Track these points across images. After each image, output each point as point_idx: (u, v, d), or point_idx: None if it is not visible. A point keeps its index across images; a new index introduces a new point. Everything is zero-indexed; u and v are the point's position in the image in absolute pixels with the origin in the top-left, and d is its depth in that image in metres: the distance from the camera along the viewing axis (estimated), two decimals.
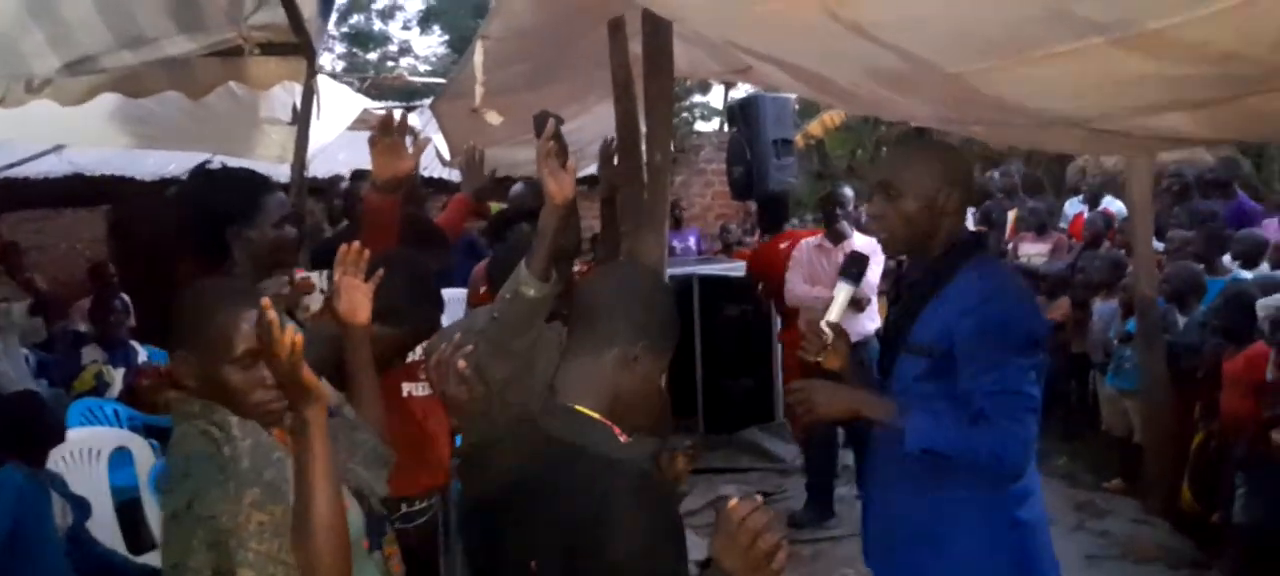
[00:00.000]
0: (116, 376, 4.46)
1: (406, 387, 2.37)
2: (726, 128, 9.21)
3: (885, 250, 2.16)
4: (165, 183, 7.30)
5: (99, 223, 9.88)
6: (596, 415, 1.38)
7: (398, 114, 2.44)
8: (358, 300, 1.74)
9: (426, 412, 2.40)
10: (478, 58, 2.85)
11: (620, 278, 1.61)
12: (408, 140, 2.31)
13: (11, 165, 7.22)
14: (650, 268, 2.13)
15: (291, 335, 1.32)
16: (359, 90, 7.64)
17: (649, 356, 1.42)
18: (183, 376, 1.52)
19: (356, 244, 1.78)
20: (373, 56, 18.09)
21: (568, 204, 1.86)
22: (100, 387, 4.35)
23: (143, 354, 4.70)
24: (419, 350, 2.29)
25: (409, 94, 10.09)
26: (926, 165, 2.00)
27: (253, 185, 2.19)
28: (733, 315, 6.02)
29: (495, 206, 3.64)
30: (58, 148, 7.00)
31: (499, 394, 1.84)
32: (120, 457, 3.60)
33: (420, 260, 2.34)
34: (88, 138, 4.43)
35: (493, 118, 2.79)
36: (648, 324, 1.44)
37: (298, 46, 3.18)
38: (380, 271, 1.79)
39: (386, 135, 2.24)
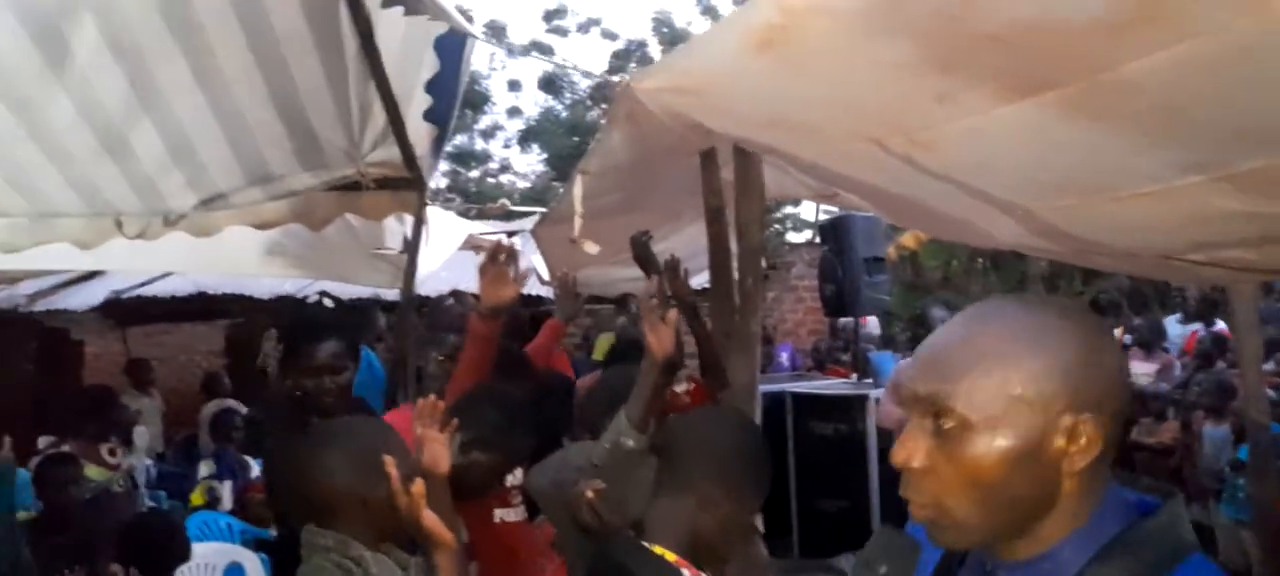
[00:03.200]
0: (226, 490, 4.66)
1: (499, 513, 2.44)
2: (818, 239, 9.30)
3: (937, 542, 1.11)
4: (280, 299, 7.69)
5: (217, 337, 10.41)
6: (671, 556, 1.42)
7: (505, 241, 2.58)
8: (437, 451, 1.81)
9: (517, 538, 2.46)
10: (577, 191, 3.00)
11: (708, 426, 1.66)
12: (512, 269, 2.44)
13: (141, 284, 7.72)
14: (743, 417, 2.10)
15: (417, 488, 1.41)
16: (462, 213, 7.98)
17: (729, 503, 1.47)
18: None
19: (433, 399, 1.86)
20: (474, 174, 18.82)
21: (668, 358, 1.89)
22: (211, 502, 4.55)
23: (255, 468, 4.90)
24: (511, 478, 2.38)
25: (508, 216, 10.46)
26: (1032, 349, 1.04)
27: (305, 330, 2.33)
28: (827, 433, 5.98)
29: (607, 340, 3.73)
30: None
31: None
32: (233, 572, 3.76)
33: (511, 390, 2.45)
34: (217, 266, 4.73)
35: (590, 248, 2.91)
36: (729, 474, 1.48)
37: (410, 181, 3.39)
38: (454, 421, 1.86)
39: (494, 264, 2.37)
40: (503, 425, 2.21)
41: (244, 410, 5.91)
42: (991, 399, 1.02)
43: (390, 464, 1.45)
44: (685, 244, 4.39)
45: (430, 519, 1.44)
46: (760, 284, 3.47)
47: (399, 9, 2.13)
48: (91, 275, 7.94)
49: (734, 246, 3.43)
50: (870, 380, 6.14)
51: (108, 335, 9.66)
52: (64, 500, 3.72)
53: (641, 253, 3.03)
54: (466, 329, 2.54)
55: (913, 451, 1.06)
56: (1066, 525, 1.05)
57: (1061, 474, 1.03)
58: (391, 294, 4.33)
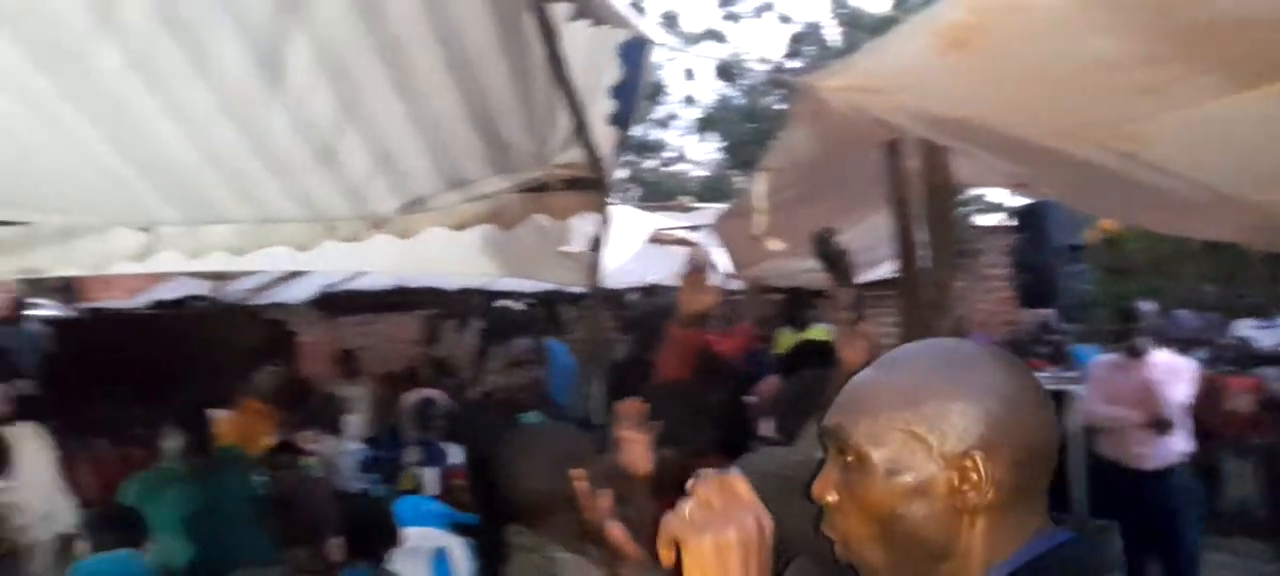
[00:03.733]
0: (430, 476, 4.93)
1: None
2: (1008, 221, 8.87)
3: None
4: (468, 293, 8.08)
5: (413, 325, 11.02)
6: None
7: (699, 247, 2.62)
8: (638, 454, 1.85)
9: None
10: (759, 187, 3.00)
11: None
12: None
13: (347, 279, 8.28)
14: None
15: (603, 499, 1.46)
16: (642, 205, 8.12)
17: None
18: None
19: (633, 401, 1.90)
20: (650, 164, 19.05)
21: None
22: (416, 487, 4.83)
23: (455, 455, 5.17)
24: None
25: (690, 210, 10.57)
26: (932, 389, 1.07)
27: (499, 328, 2.42)
28: None
29: (790, 337, 3.73)
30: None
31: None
32: (440, 556, 3.98)
33: (696, 387, 2.48)
34: (418, 266, 5.01)
35: (775, 245, 2.91)
36: None
37: (595, 181, 3.47)
38: (656, 424, 1.89)
39: (695, 272, 2.41)
40: (688, 419, 2.24)
41: (444, 399, 6.23)
42: (886, 435, 1.05)
43: (578, 475, 1.50)
44: (867, 234, 4.30)
45: (615, 530, 1.48)
46: (951, 277, 3.36)
47: (585, 20, 2.18)
48: (303, 271, 8.58)
49: (922, 236, 3.34)
50: (1073, 374, 5.83)
51: (318, 325, 10.40)
52: (288, 483, 4.06)
53: (826, 252, 2.99)
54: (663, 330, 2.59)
55: (825, 486, 1.11)
56: (974, 567, 1.03)
57: (961, 514, 1.03)
58: (578, 289, 4.48)
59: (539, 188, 3.54)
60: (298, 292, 8.92)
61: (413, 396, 7.59)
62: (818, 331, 5.31)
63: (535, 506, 1.67)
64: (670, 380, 2.40)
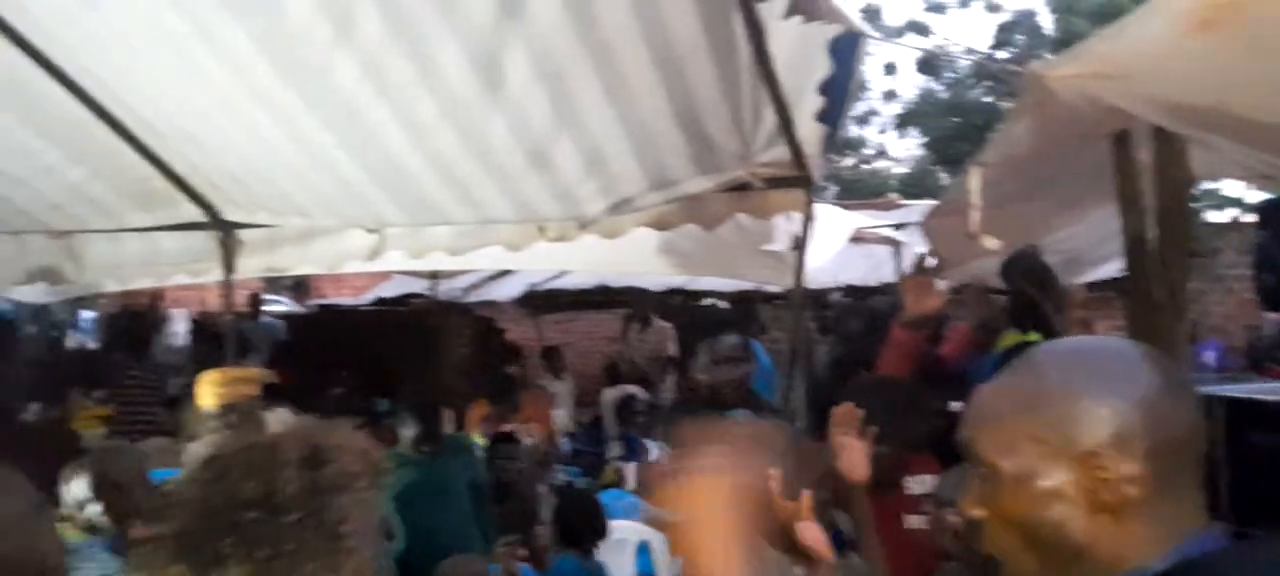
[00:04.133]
0: (630, 471, 5.04)
1: (908, 519, 2.42)
2: (1247, 217, 8.10)
3: None
4: (670, 292, 8.20)
5: (615, 323, 11.28)
6: None
7: (927, 257, 2.54)
8: (855, 459, 1.82)
9: (926, 546, 2.42)
10: (974, 183, 2.87)
11: None
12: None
13: (552, 278, 8.59)
14: None
15: (803, 501, 1.44)
16: (838, 203, 7.98)
17: None
18: None
19: (849, 406, 1.87)
20: (848, 162, 18.66)
21: None
22: (617, 481, 4.94)
23: (654, 450, 5.25)
24: (919, 485, 2.34)
25: (894, 208, 10.28)
26: (1053, 391, 1.04)
27: (702, 323, 2.41)
28: (1267, 446, 5.21)
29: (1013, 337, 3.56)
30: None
31: None
32: (643, 550, 4.06)
33: (899, 381, 2.40)
34: (621, 265, 5.12)
35: (990, 243, 2.78)
36: None
37: (799, 180, 3.44)
38: (874, 429, 1.85)
39: (920, 273, 2.35)
40: (895, 414, 2.18)
41: (645, 396, 6.33)
42: (1013, 443, 1.03)
43: (772, 475, 1.48)
44: (1088, 233, 4.05)
45: (810, 533, 1.45)
46: (1185, 277, 3.12)
47: (796, 17, 2.17)
48: (511, 270, 8.95)
49: (1152, 233, 3.11)
50: None
51: (523, 322, 10.83)
52: (506, 473, 4.25)
53: (1032, 268, 2.81)
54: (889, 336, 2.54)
55: (971, 502, 1.09)
56: (1123, 568, 1.00)
57: (1100, 514, 1.00)
58: (776, 288, 4.46)
59: (741, 187, 3.54)
60: (505, 291, 9.32)
61: (613, 392, 7.77)
62: (1032, 336, 5.02)
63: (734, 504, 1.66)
64: (880, 379, 2.35)
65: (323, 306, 11.04)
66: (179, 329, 9.37)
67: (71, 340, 9.58)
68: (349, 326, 8.90)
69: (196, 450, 3.49)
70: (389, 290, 10.27)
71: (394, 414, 4.39)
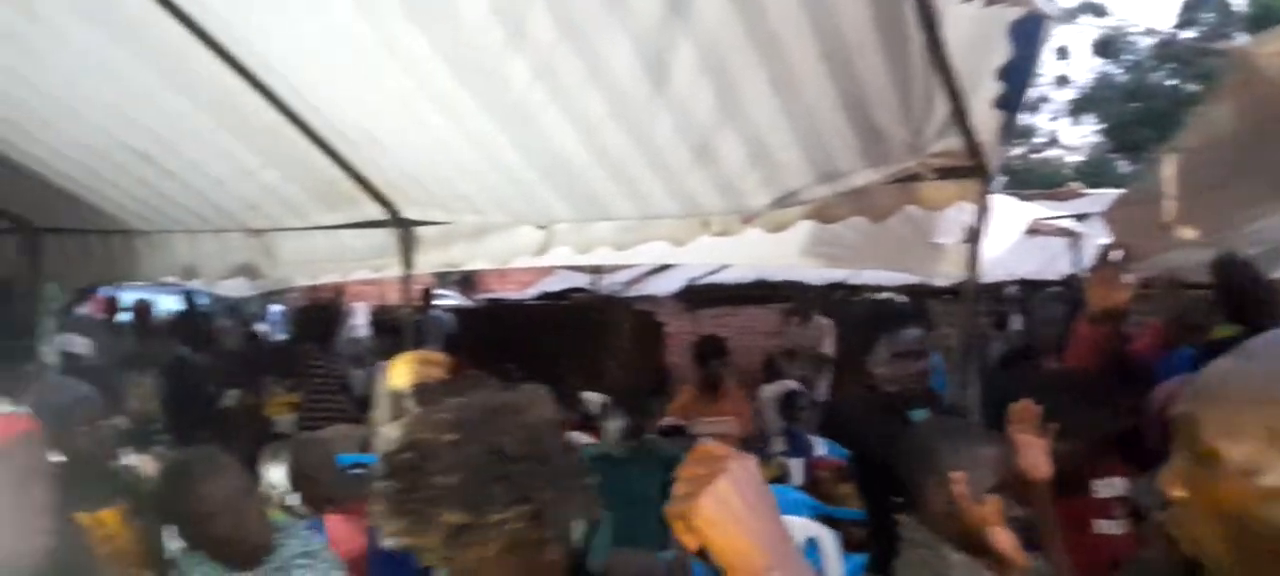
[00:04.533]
0: (796, 466, 4.98)
1: (1098, 524, 2.30)
2: None
3: None
4: (832, 287, 8.07)
5: (772, 318, 11.19)
6: None
7: (1112, 249, 2.42)
8: (1036, 457, 1.76)
9: (1119, 554, 2.30)
10: (1169, 170, 2.71)
11: None
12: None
13: (711, 272, 8.60)
14: None
15: (991, 505, 1.39)
16: (1011, 193, 7.64)
17: None
18: None
19: (1027, 402, 1.80)
20: (1018, 150, 17.87)
21: None
22: (782, 477, 4.89)
23: (820, 447, 5.18)
24: (1108, 488, 2.23)
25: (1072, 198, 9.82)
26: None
27: (882, 317, 2.34)
28: None
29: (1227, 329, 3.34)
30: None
31: None
32: (810, 545, 4.02)
33: (1084, 375, 2.29)
34: (784, 258, 5.09)
35: (1187, 234, 2.61)
36: None
37: (973, 170, 3.32)
38: (1054, 426, 1.78)
39: (1108, 265, 2.24)
40: (1079, 409, 2.08)
41: (806, 391, 6.26)
42: (1244, 430, 0.94)
43: (957, 478, 1.44)
44: None
45: (1002, 538, 1.41)
46: None
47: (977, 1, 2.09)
48: (670, 265, 9.02)
49: None
50: None
51: (682, 317, 10.89)
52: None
53: (1231, 277, 2.60)
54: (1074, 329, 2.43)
55: (1173, 480, 1.01)
56: None
57: None
58: (944, 282, 4.32)
59: (911, 178, 3.44)
60: (665, 285, 9.41)
61: (774, 387, 7.70)
62: (1224, 329, 4.66)
63: (924, 501, 1.63)
64: (1063, 373, 2.25)
65: (490, 300, 11.44)
66: (359, 321, 9.90)
67: (260, 331, 10.29)
68: (515, 319, 9.17)
69: (390, 430, 3.70)
70: (553, 285, 10.55)
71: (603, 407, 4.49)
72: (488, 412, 1.14)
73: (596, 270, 8.85)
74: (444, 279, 11.63)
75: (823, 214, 3.65)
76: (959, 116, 3.04)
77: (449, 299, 12.00)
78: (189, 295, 8.63)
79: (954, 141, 3.22)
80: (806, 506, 4.48)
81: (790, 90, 2.96)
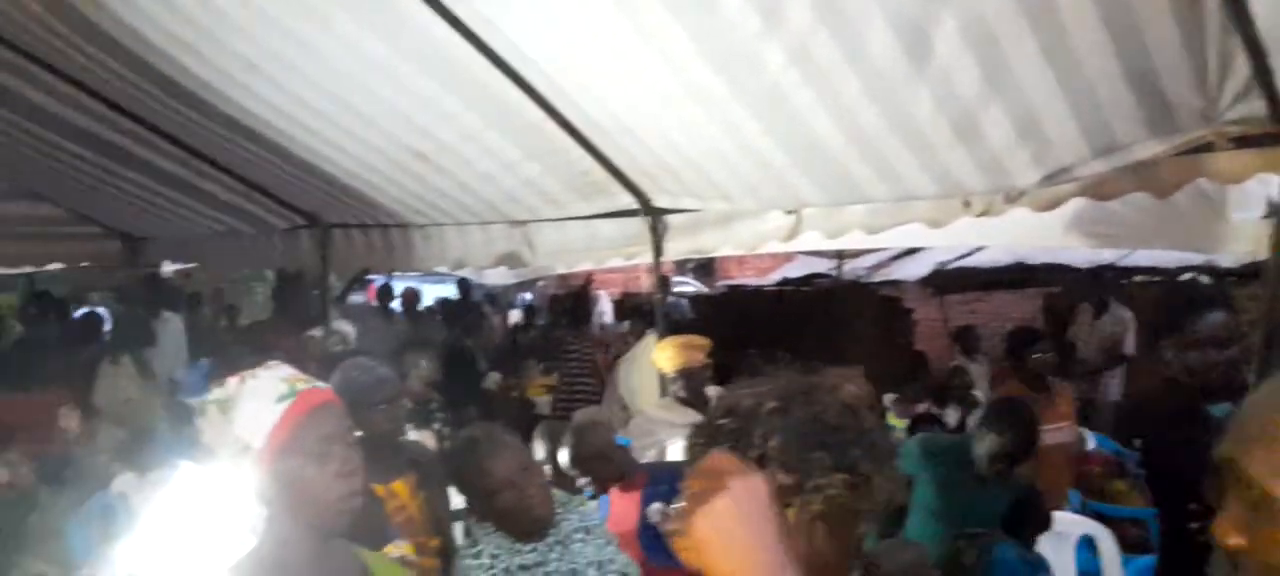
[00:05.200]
0: None
1: None
2: None
3: None
4: (1100, 269, 7.51)
5: (1025, 304, 10.59)
6: None
7: None
8: None
9: None
10: None
11: None
12: None
13: (962, 256, 8.23)
14: None
15: None
16: None
17: None
18: None
19: None
20: None
21: None
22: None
23: (1091, 440, 4.85)
24: None
25: None
26: None
27: (1190, 303, 2.14)
28: None
29: None
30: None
31: None
32: (1084, 543, 3.78)
33: None
34: (1051, 238, 4.80)
35: None
36: None
37: (1277, 137, 2.99)
38: None
39: None
40: None
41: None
42: None
43: None
44: None
45: None
46: None
47: None
48: (916, 249, 8.72)
49: None
50: None
51: (928, 303, 10.52)
52: None
53: None
54: None
55: (1228, 527, 0.94)
56: None
57: None
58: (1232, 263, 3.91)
59: (1202, 148, 3.15)
60: (911, 270, 9.12)
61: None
62: None
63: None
64: None
65: (731, 286, 11.52)
66: (604, 308, 10.28)
67: (511, 318, 10.90)
68: (758, 306, 9.18)
69: (656, 412, 3.82)
70: (793, 271, 10.48)
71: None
72: (806, 386, 1.18)
73: (839, 255, 8.70)
74: (682, 266, 11.83)
75: (1098, 190, 3.41)
76: (1262, 78, 2.76)
77: (688, 286, 12.20)
78: (463, 283, 9.26)
79: (1255, 106, 2.92)
80: (1076, 502, 4.23)
81: (1066, 58, 2.79)
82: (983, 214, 3.67)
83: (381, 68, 3.64)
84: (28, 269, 7.70)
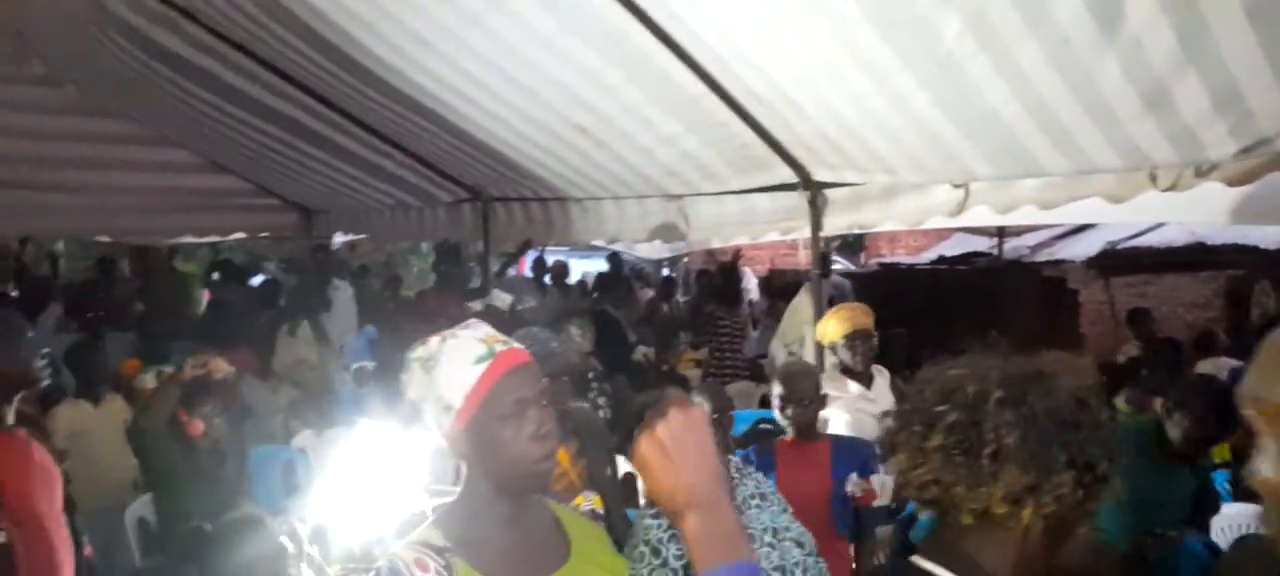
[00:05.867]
0: None
1: None
2: None
3: None
4: None
5: (1200, 287, 9.93)
6: None
7: None
8: None
9: None
10: None
11: None
12: None
13: (1135, 235, 7.78)
14: None
15: None
16: None
17: None
18: None
19: None
20: None
21: None
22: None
23: None
24: None
25: None
26: None
27: None
28: None
29: None
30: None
31: None
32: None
33: None
34: (1234, 217, 4.47)
35: None
36: None
37: None
38: None
39: None
40: None
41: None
42: None
43: None
44: None
45: None
46: None
47: None
48: (1083, 228, 8.29)
49: None
50: None
51: (1093, 284, 9.99)
52: None
53: None
54: None
55: (1260, 463, 0.97)
56: None
57: None
58: None
59: None
60: (1078, 249, 8.68)
61: (1209, 364, 6.86)
62: None
63: None
64: None
65: (885, 264, 11.26)
66: (751, 284, 10.21)
67: (668, 292, 10.94)
68: (916, 285, 8.89)
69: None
70: (949, 248, 10.14)
71: None
72: (1034, 372, 1.13)
73: (1000, 232, 8.34)
74: (829, 243, 11.60)
75: None
76: None
77: (837, 263, 11.97)
78: (614, 256, 9.39)
79: None
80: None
81: (1272, 20, 2.59)
82: (1170, 188, 3.47)
83: (548, 42, 3.71)
84: (213, 238, 8.22)
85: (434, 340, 1.60)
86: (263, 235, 8.34)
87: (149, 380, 4.58)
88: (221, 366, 3.87)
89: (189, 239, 8.00)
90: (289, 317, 6.37)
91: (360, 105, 5.05)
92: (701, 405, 1.03)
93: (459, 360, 1.57)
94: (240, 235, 8.05)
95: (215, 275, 8.78)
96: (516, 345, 1.62)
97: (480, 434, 1.56)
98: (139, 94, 5.76)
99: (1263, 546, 1.36)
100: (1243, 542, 2.61)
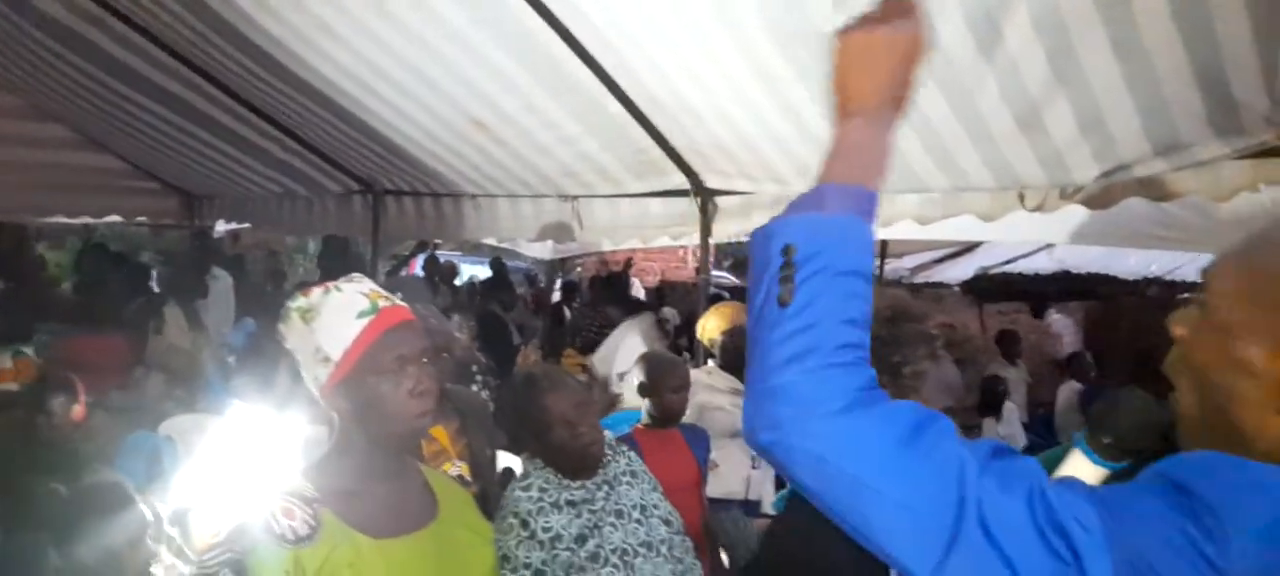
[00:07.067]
0: None
1: None
2: None
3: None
4: (1147, 282, 7.44)
5: (1069, 314, 10.44)
6: None
7: None
8: None
9: None
10: None
11: None
12: None
13: (1007, 261, 8.18)
14: None
15: None
16: None
17: None
18: None
19: None
20: None
21: None
22: None
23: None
24: None
25: None
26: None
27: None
28: None
29: None
30: (1048, 246, 7.69)
31: None
32: None
33: None
34: (1109, 237, 4.77)
35: None
36: None
37: None
38: None
39: None
40: None
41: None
42: (1229, 287, 0.97)
43: None
44: None
45: None
46: None
47: None
48: (964, 251, 8.65)
49: None
50: None
51: (965, 311, 10.42)
52: None
53: None
54: None
55: (1181, 317, 1.05)
56: None
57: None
58: None
59: (1265, 152, 3.13)
60: (955, 273, 9.04)
61: (1071, 387, 7.27)
62: None
63: None
64: None
65: None
66: (637, 292, 10.31)
67: (548, 296, 10.96)
68: None
69: (699, 375, 3.86)
70: None
71: None
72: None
73: (881, 251, 8.63)
74: (721, 259, 11.79)
75: (1155, 189, 3.41)
76: None
77: (724, 278, 12.17)
78: (497, 261, 9.36)
79: None
80: None
81: (1134, 54, 2.78)
82: (1037, 208, 3.67)
83: (458, 36, 3.69)
84: (85, 219, 7.85)
85: (317, 291, 1.60)
86: (140, 220, 7.98)
87: (5, 360, 4.36)
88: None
89: (60, 219, 7.61)
90: (162, 303, 6.15)
91: (252, 88, 4.92)
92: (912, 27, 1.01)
93: (341, 312, 1.57)
94: (115, 218, 7.68)
95: (86, 259, 8.39)
96: (400, 303, 1.63)
97: (358, 388, 1.56)
98: (9, 60, 5.47)
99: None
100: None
